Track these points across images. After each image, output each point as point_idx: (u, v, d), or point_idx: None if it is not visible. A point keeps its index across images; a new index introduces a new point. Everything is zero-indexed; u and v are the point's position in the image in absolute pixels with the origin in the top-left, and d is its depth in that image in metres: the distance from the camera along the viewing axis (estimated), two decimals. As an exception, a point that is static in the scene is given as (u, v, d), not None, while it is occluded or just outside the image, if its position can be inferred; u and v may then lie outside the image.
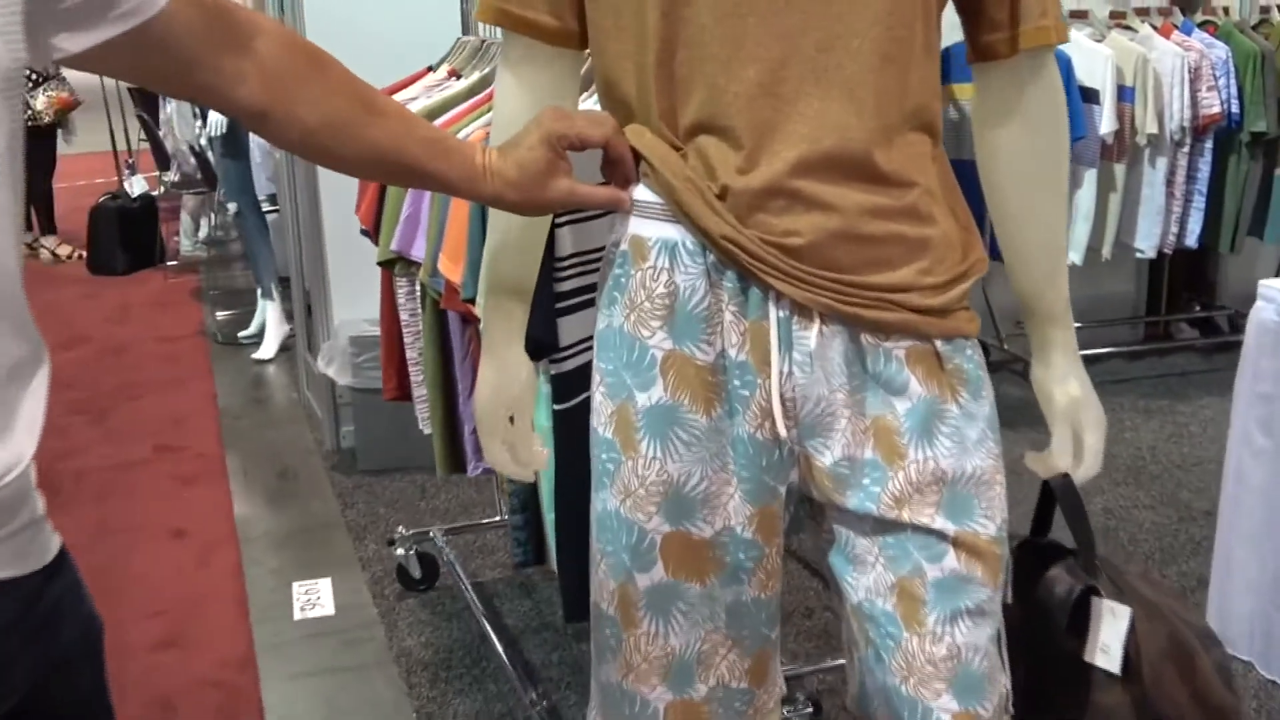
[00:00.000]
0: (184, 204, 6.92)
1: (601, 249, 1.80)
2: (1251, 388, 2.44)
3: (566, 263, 1.72)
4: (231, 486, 3.72)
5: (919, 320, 1.19)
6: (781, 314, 1.18)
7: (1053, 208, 1.32)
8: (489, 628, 2.67)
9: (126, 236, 5.30)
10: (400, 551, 2.95)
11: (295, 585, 3.05)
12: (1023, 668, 1.30)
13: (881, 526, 1.22)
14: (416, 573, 2.96)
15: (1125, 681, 1.30)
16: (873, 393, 1.21)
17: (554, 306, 1.73)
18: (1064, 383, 1.35)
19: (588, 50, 1.29)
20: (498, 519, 3.12)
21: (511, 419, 1.39)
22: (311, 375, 4.19)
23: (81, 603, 0.97)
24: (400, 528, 3.02)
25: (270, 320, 5.11)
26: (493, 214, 1.36)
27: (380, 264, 2.50)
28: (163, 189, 6.35)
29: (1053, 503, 1.39)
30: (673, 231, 1.20)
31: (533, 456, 1.41)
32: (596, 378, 1.29)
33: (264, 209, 5.06)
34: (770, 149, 1.14)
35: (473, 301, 1.94)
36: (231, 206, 5.09)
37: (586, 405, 1.83)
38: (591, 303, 1.79)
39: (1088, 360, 1.40)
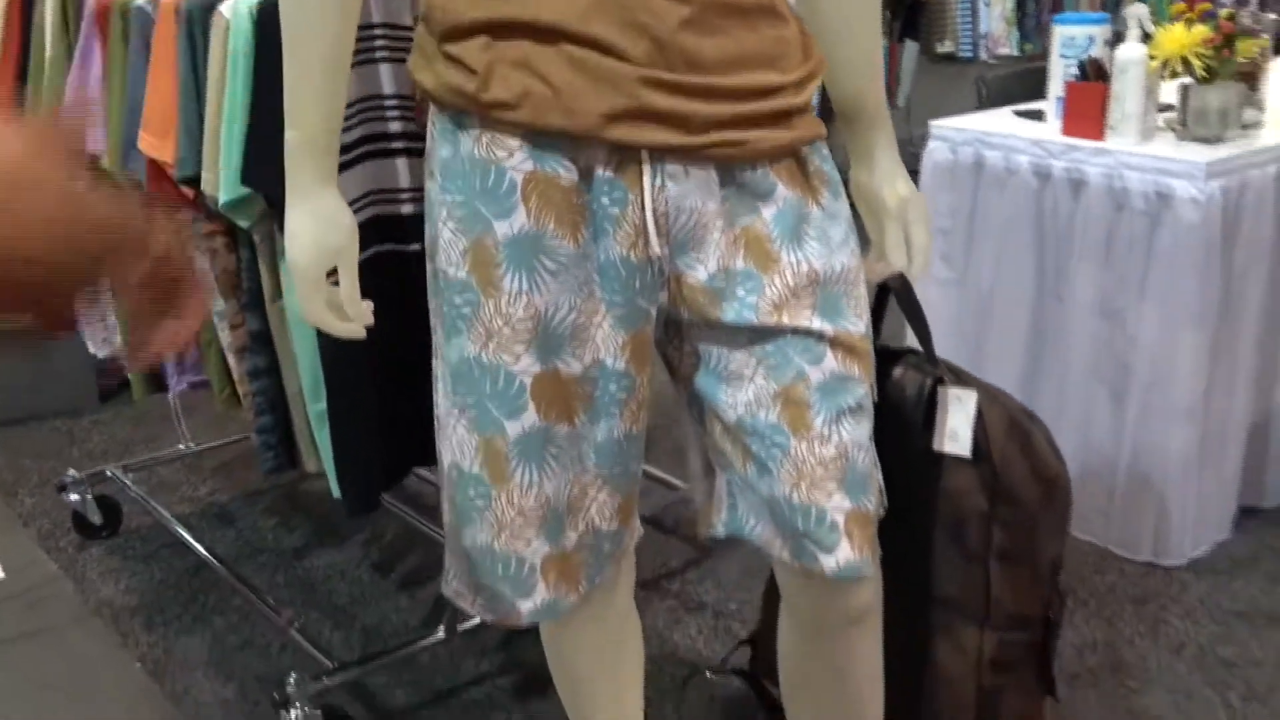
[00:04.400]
0: None
1: (386, 96, 1.64)
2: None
3: (348, 111, 1.55)
4: None
5: (788, 135, 1.16)
6: None
7: (871, 15, 1.31)
8: (210, 557, 2.44)
9: None
10: (74, 497, 2.62)
11: (-56, 557, 2.65)
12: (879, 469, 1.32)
13: (759, 336, 1.19)
14: (97, 518, 2.64)
15: (974, 464, 1.35)
16: (740, 201, 1.17)
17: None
18: (891, 183, 1.37)
19: None
20: (181, 447, 2.85)
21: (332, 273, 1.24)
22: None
23: None
24: (71, 470, 2.68)
25: None
26: (288, 25, 1.17)
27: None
28: None
29: (883, 307, 1.41)
30: None
31: (360, 309, 1.26)
32: (442, 213, 1.16)
33: None
34: None
35: (192, 181, 1.71)
36: None
37: (367, 268, 1.68)
38: (376, 155, 1.63)
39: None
